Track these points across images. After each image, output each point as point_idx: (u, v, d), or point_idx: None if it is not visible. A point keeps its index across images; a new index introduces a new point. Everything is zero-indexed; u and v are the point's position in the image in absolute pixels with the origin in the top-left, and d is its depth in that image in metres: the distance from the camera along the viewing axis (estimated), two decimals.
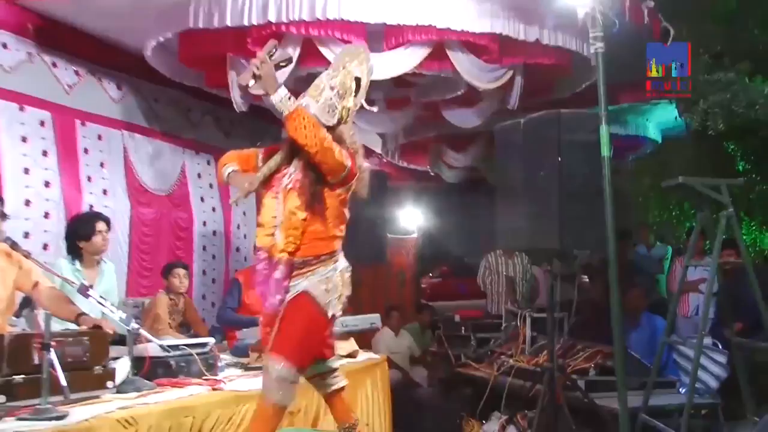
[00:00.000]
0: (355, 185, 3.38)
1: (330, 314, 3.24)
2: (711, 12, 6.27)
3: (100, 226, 4.63)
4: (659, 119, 9.16)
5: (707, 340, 4.71)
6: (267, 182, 3.32)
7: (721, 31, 6.23)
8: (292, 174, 3.27)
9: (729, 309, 4.87)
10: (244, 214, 8.46)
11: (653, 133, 9.49)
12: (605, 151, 4.09)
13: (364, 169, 3.42)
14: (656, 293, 8.23)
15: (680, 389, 4.86)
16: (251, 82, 3.16)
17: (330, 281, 3.26)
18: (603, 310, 4.41)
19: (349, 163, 3.26)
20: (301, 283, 3.20)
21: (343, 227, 3.38)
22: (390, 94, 7.60)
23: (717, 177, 4.87)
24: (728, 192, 4.35)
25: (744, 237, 8.14)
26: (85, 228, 4.63)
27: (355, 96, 3.35)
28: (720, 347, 4.87)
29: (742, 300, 4.92)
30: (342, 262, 3.37)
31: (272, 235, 3.20)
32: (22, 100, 5.64)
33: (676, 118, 7.71)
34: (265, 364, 3.12)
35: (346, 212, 3.40)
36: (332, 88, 3.29)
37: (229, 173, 3.35)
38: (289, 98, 3.10)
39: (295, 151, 3.27)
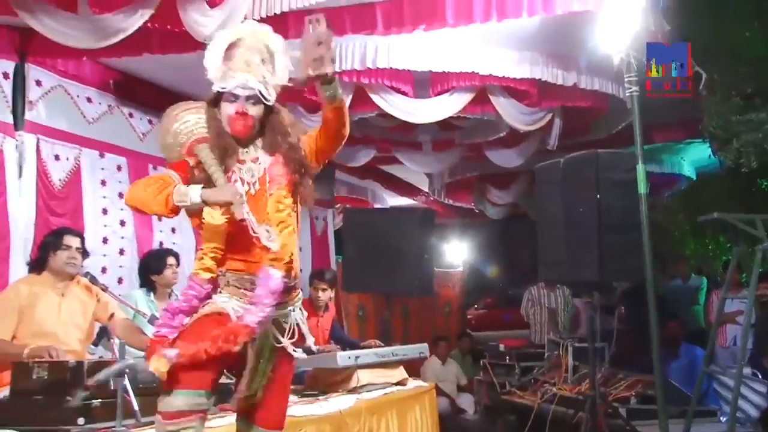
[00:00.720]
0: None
1: None
2: (741, 55, 6.18)
3: (170, 260, 4.73)
4: (693, 157, 9.03)
5: (746, 370, 4.56)
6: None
7: (752, 73, 6.12)
8: (252, 174, 2.51)
9: (766, 340, 4.71)
10: (301, 250, 8.46)
11: (688, 170, 9.35)
12: (642, 188, 4.03)
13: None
14: (694, 324, 8.01)
15: (721, 418, 4.69)
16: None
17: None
18: (642, 340, 4.31)
19: None
20: (290, 314, 2.57)
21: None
22: (436, 136, 7.65)
23: (751, 212, 4.75)
24: (763, 227, 4.23)
25: None
26: (157, 263, 4.73)
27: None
28: (759, 377, 4.71)
29: None
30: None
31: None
32: (102, 147, 5.81)
33: (710, 156, 7.58)
34: None
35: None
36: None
37: (200, 192, 2.37)
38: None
39: (230, 147, 2.50)
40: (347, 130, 2.51)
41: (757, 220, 4.25)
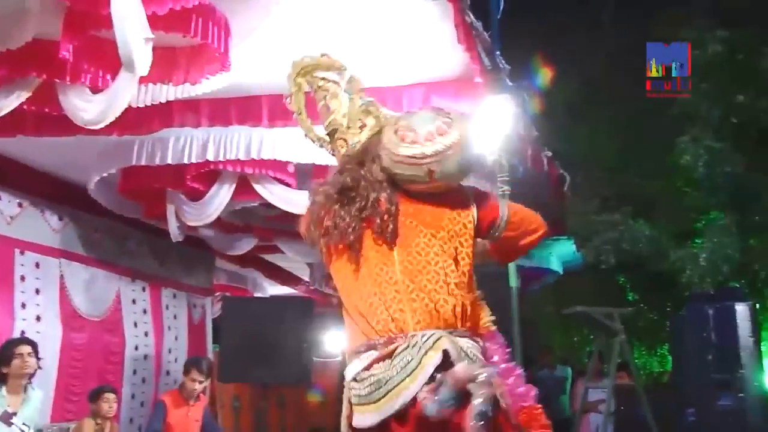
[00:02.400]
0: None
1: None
2: (600, 162, 6.69)
3: (21, 349, 4.42)
4: (560, 253, 9.47)
5: None
6: None
7: (607, 178, 6.63)
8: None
9: (624, 427, 4.91)
10: (176, 338, 8.18)
11: (555, 264, 9.78)
12: (513, 281, 4.19)
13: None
14: (561, 413, 8.23)
15: None
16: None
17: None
18: None
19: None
20: None
21: (354, 304, 2.11)
22: None
23: (610, 306, 5.03)
24: (620, 320, 4.49)
25: (635, 360, 8.32)
26: (5, 352, 4.40)
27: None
28: None
29: (635, 418, 4.98)
30: (353, 367, 2.06)
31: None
32: None
33: (574, 252, 8.00)
34: None
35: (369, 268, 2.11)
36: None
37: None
38: None
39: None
40: None
41: (615, 314, 4.51)
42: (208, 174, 5.83)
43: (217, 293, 9.43)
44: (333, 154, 2.42)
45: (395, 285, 2.03)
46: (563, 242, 8.59)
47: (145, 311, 7.66)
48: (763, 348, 5.45)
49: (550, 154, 5.84)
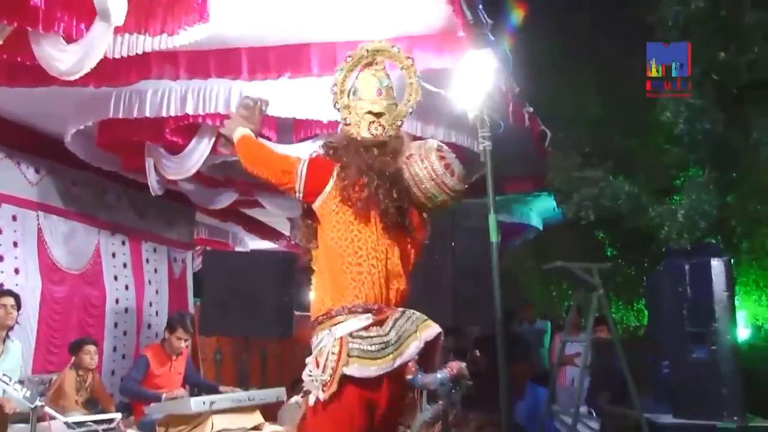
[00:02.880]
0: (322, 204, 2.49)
1: (327, 397, 2.32)
2: (581, 118, 6.68)
3: (4, 300, 4.44)
4: (540, 208, 9.54)
5: (583, 409, 4.82)
6: None
7: (589, 134, 6.63)
8: None
9: (601, 380, 5.01)
10: (157, 292, 8.19)
11: (536, 220, 9.85)
12: (493, 236, 4.21)
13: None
14: (540, 366, 8.38)
15: None
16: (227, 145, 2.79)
17: (321, 354, 2.38)
18: (492, 382, 4.45)
19: (296, 169, 2.50)
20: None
21: (349, 266, 2.42)
22: None
23: (589, 261, 5.08)
24: (598, 275, 4.54)
25: (613, 315, 8.46)
26: None
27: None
28: (594, 414, 4.98)
29: (612, 371, 5.08)
30: (350, 324, 2.36)
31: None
32: None
33: (554, 208, 8.04)
34: None
35: (348, 246, 2.44)
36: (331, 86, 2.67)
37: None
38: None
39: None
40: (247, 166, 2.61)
41: (593, 269, 4.56)
42: (188, 127, 5.76)
43: (198, 247, 9.41)
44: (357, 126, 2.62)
45: (387, 267, 2.47)
46: (544, 198, 8.64)
47: (125, 265, 7.64)
48: (736, 302, 5.55)
49: (531, 110, 5.83)
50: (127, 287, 7.63)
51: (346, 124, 2.63)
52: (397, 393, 2.40)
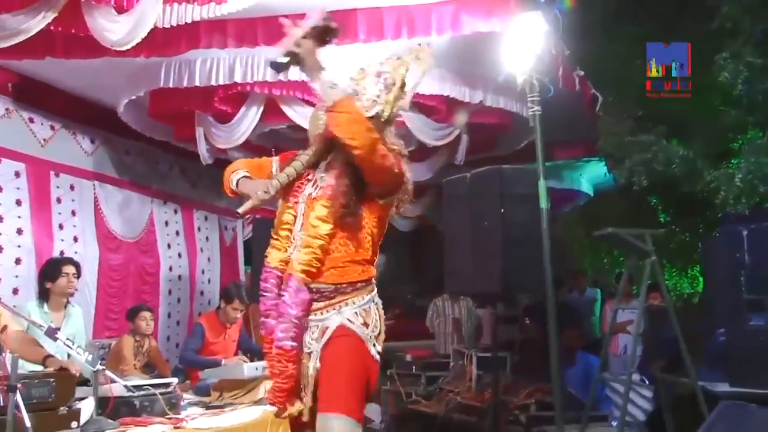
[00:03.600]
0: (400, 197, 2.63)
1: (374, 353, 2.51)
2: (632, 79, 6.48)
3: (67, 269, 4.54)
4: (591, 174, 9.37)
5: (635, 377, 4.76)
6: (286, 192, 2.62)
7: (641, 97, 6.43)
8: (322, 179, 2.56)
9: (654, 347, 4.93)
10: (209, 260, 8.34)
11: (586, 187, 9.70)
12: (543, 203, 4.16)
13: (407, 179, 2.63)
14: (591, 334, 8.30)
15: (612, 422, 4.88)
16: (284, 60, 2.57)
17: (368, 314, 2.53)
18: (542, 349, 4.43)
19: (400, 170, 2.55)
20: (332, 317, 2.48)
21: (377, 249, 2.63)
22: None
23: (642, 228, 4.97)
24: (651, 241, 4.44)
25: (666, 282, 8.29)
26: (53, 270, 4.53)
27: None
28: (647, 382, 4.92)
29: (665, 339, 4.99)
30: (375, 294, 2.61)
31: (286, 254, 2.54)
32: None
33: (605, 174, 7.89)
34: (322, 426, 2.36)
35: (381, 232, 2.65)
36: (379, 75, 2.60)
37: (239, 179, 2.67)
38: (334, 85, 2.45)
39: (330, 151, 2.57)
40: (360, 150, 2.40)
41: (646, 235, 4.46)
42: (236, 96, 5.80)
43: (248, 215, 9.51)
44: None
45: None
46: (594, 164, 8.48)
47: (177, 233, 7.80)
48: None
49: (582, 73, 5.69)
50: (180, 255, 7.80)
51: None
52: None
